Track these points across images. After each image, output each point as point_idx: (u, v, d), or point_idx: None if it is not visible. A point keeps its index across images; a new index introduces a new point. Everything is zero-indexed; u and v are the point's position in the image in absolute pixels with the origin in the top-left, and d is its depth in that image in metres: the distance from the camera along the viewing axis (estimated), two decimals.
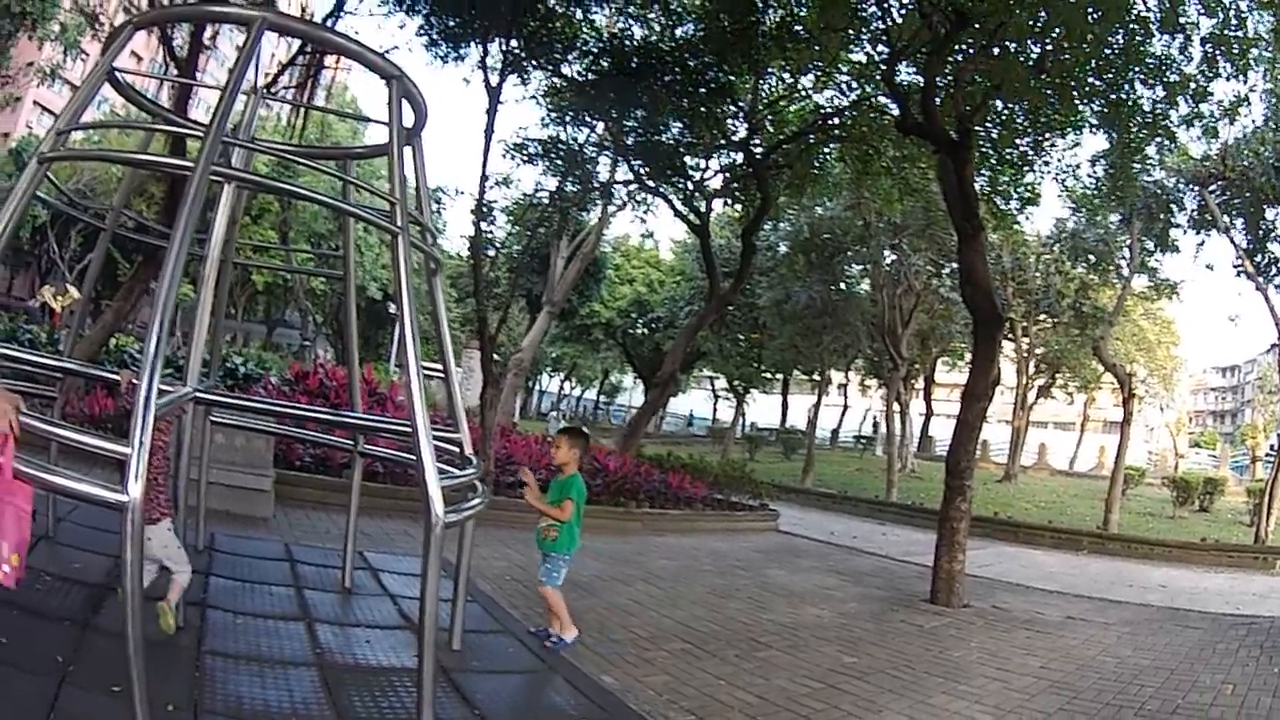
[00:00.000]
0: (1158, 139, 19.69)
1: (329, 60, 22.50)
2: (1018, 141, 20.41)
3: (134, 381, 6.91)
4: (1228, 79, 17.75)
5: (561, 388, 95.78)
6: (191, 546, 8.63)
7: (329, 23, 19.79)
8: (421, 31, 22.72)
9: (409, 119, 7.72)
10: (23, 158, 56.55)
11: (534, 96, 26.47)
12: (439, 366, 10.86)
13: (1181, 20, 16.25)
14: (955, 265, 30.61)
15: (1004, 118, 19.14)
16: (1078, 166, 23.23)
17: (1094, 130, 19.89)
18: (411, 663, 7.43)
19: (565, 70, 24.74)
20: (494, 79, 22.21)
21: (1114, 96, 17.45)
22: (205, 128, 6.34)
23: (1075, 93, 17.39)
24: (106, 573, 8.39)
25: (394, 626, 8.94)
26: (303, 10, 20.59)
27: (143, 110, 10.35)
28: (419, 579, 10.17)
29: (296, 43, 20.83)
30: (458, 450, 7.99)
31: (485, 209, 26.38)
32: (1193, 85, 17.60)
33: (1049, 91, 17.18)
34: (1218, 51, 16.79)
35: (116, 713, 5.43)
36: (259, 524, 12.70)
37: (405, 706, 6.66)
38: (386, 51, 8.18)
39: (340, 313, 64.97)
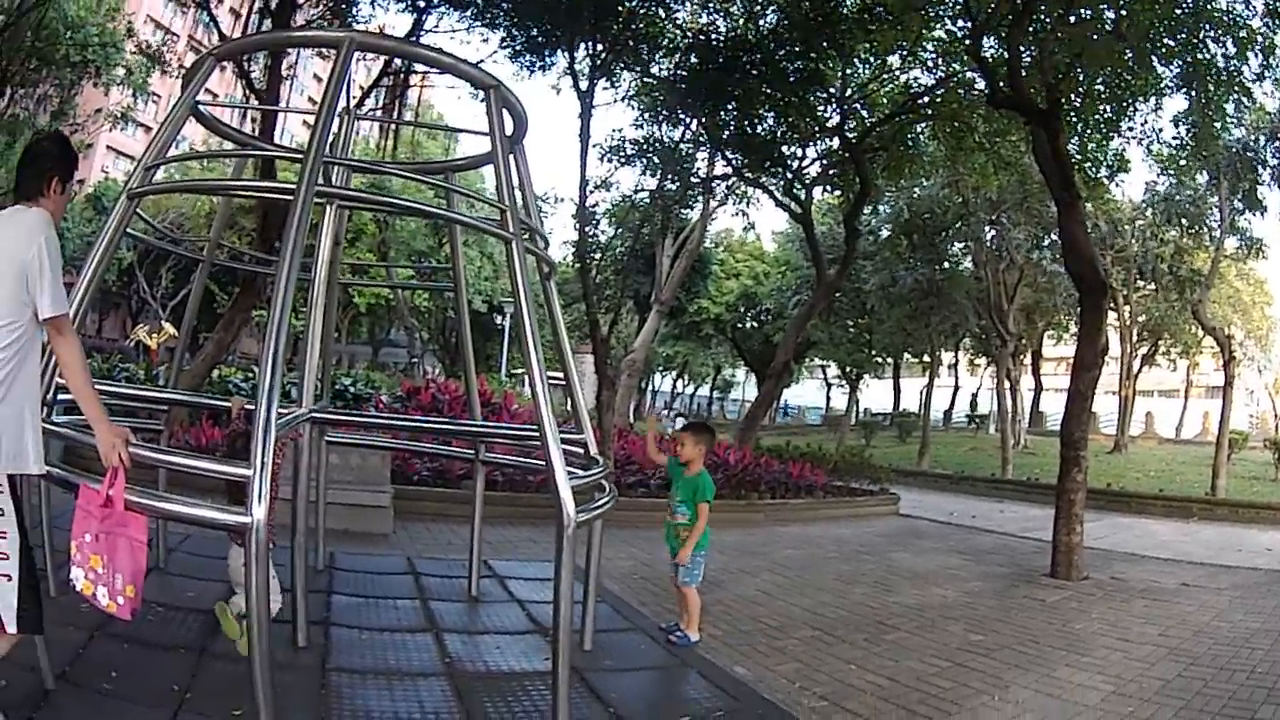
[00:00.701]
0: (1234, 96, 19.39)
1: (413, 79, 22.61)
2: (1102, 108, 20.18)
3: (245, 407, 6.99)
4: None
5: (674, 386, 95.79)
6: (312, 567, 8.66)
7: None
8: (505, 44, 22.78)
9: (509, 127, 7.68)
10: (102, 202, 57.58)
11: (625, 98, 26.55)
12: (555, 373, 10.83)
13: None
14: (1055, 237, 30.67)
15: (1086, 85, 18.84)
16: (1161, 130, 23.06)
17: (1173, 92, 19.74)
18: (543, 666, 7.47)
19: (654, 70, 24.82)
20: (583, 84, 22.39)
21: (1189, 56, 17.37)
22: (302, 151, 6.31)
23: (1153, 55, 17.34)
24: (221, 599, 8.28)
25: (523, 631, 8.89)
26: (380, 30, 20.67)
27: (229, 140, 10.43)
28: (545, 584, 10.26)
29: (377, 67, 20.96)
30: (583, 451, 7.96)
31: (588, 213, 26.30)
32: (1260, 39, 17.42)
33: (1128, 55, 17.08)
34: (1276, 3, 16.60)
35: None
36: (379, 540, 12.75)
37: (539, 709, 6.62)
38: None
39: (446, 327, 65.74)
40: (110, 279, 58.24)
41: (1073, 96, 18.64)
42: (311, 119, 6.71)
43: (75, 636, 6.62)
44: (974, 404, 67.98)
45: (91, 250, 6.75)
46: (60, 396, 6.27)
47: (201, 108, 8.22)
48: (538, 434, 6.50)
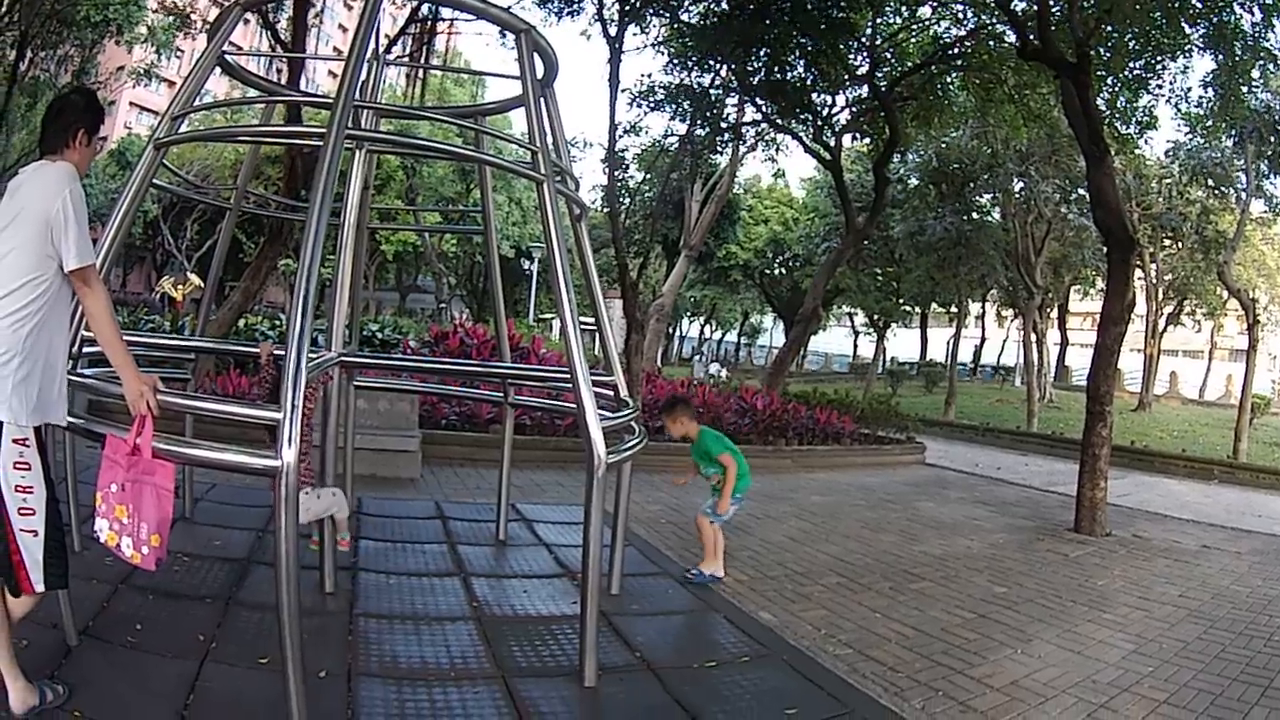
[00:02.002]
0: (1260, 61, 19.40)
1: (439, 27, 22.54)
2: (1131, 64, 20.10)
3: (274, 352, 6.96)
4: None
5: (702, 332, 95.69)
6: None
7: None
8: None
9: (540, 71, 7.69)
10: (125, 157, 57.41)
11: (655, 44, 26.47)
12: (584, 318, 10.83)
13: None
14: (1083, 191, 30.48)
15: (1114, 41, 18.77)
16: (1189, 90, 22.91)
17: (1201, 53, 19.64)
18: (570, 610, 7.56)
19: (683, 15, 24.69)
20: (612, 30, 22.37)
21: (1215, 18, 17.29)
22: (330, 97, 6.29)
23: (1180, 15, 17.27)
24: (249, 548, 8.51)
25: (551, 575, 8.94)
26: None
27: (256, 89, 10.38)
28: (572, 528, 10.49)
29: (403, 16, 20.88)
30: (612, 393, 8.02)
31: (617, 157, 26.33)
32: None
33: (1156, 14, 17.11)
34: None
35: (262, 684, 5.50)
36: (407, 485, 12.79)
37: (566, 653, 6.66)
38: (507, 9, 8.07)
39: (474, 273, 65.98)
40: (135, 233, 58.61)
41: (1101, 51, 18.54)
42: (338, 70, 6.70)
43: (99, 591, 6.65)
44: (975, 353, 67.79)
45: (118, 203, 6.74)
46: (86, 349, 6.30)
47: (228, 58, 8.18)
48: (567, 376, 6.56)
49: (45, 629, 5.57)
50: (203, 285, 40.72)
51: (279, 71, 18.19)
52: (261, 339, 18.43)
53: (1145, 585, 10.87)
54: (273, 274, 20.95)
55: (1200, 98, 22.25)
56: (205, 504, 10.05)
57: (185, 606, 6.75)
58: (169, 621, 6.38)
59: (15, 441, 4.41)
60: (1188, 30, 18.04)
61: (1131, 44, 19.06)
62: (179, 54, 38.84)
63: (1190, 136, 34.49)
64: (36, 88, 35.79)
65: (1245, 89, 21.40)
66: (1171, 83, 21.89)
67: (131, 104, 74.25)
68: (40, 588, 4.54)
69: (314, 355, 6.10)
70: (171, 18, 27.47)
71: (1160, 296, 49.30)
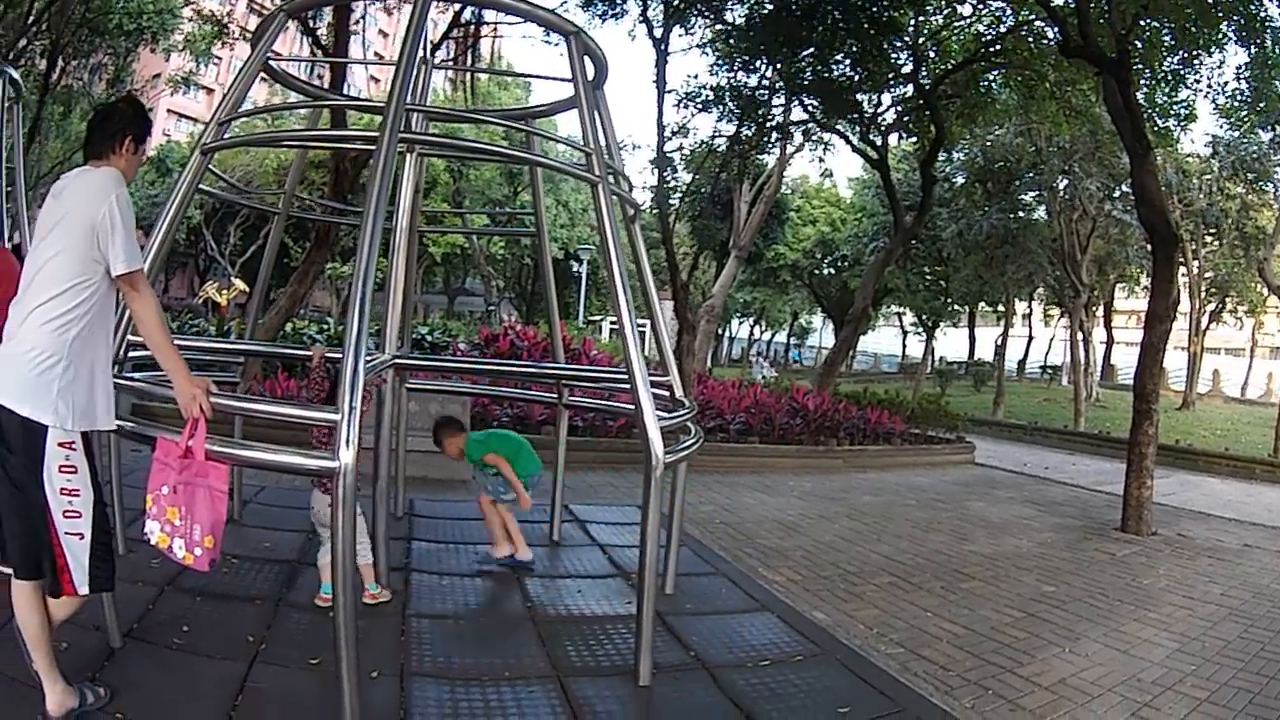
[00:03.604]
0: None
1: (483, 30, 22.58)
2: (1168, 59, 20.05)
3: (326, 355, 6.99)
4: None
5: (752, 332, 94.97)
6: (391, 514, 8.66)
7: None
8: None
9: (590, 73, 7.65)
10: (165, 164, 57.57)
11: (700, 45, 26.65)
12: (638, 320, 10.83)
13: None
14: (1125, 188, 30.45)
15: (1150, 35, 18.68)
16: (1225, 83, 22.80)
17: (1236, 47, 19.40)
18: (624, 610, 7.59)
19: (728, 16, 24.86)
20: (657, 31, 22.65)
21: (1246, 10, 17.30)
22: (378, 101, 6.29)
23: (1214, 9, 17.20)
24: (299, 550, 8.52)
25: (605, 575, 8.96)
26: None
27: (301, 94, 10.38)
28: (626, 528, 10.52)
29: (445, 19, 20.90)
30: (668, 394, 8.04)
31: (665, 159, 26.52)
32: None
33: (1189, 10, 17.00)
34: None
35: (313, 685, 5.54)
36: (459, 487, 12.71)
37: (620, 652, 6.65)
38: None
39: (523, 275, 66.15)
40: (178, 238, 58.50)
41: (1139, 45, 18.47)
42: (378, 75, 6.67)
43: (144, 593, 6.65)
44: (995, 353, 67.72)
45: (163, 208, 6.74)
46: (131, 354, 6.29)
47: (271, 63, 8.22)
48: (624, 377, 6.59)
49: (87, 631, 5.56)
50: (247, 290, 40.97)
51: (319, 77, 18.26)
52: (310, 342, 18.49)
53: (1189, 584, 10.94)
54: (319, 278, 21.02)
55: (1234, 91, 22.21)
56: (254, 506, 10.13)
57: (234, 608, 6.77)
58: (217, 623, 6.38)
59: (61, 445, 4.39)
60: (1220, 23, 17.96)
61: (1167, 38, 19.04)
62: (216, 61, 38.96)
63: (1228, 130, 34.30)
64: (70, 96, 36.03)
65: (1278, 81, 21.30)
66: (1208, 77, 21.86)
67: (169, 111, 74.29)
68: (84, 590, 4.53)
69: (369, 357, 6.10)
70: (209, 26, 27.58)
71: (1203, 294, 48.92)
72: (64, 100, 36.08)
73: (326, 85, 16.22)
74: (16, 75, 13.49)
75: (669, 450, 6.30)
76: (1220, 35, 18.43)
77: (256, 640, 6.12)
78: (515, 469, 8.66)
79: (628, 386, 6.43)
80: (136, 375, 6.28)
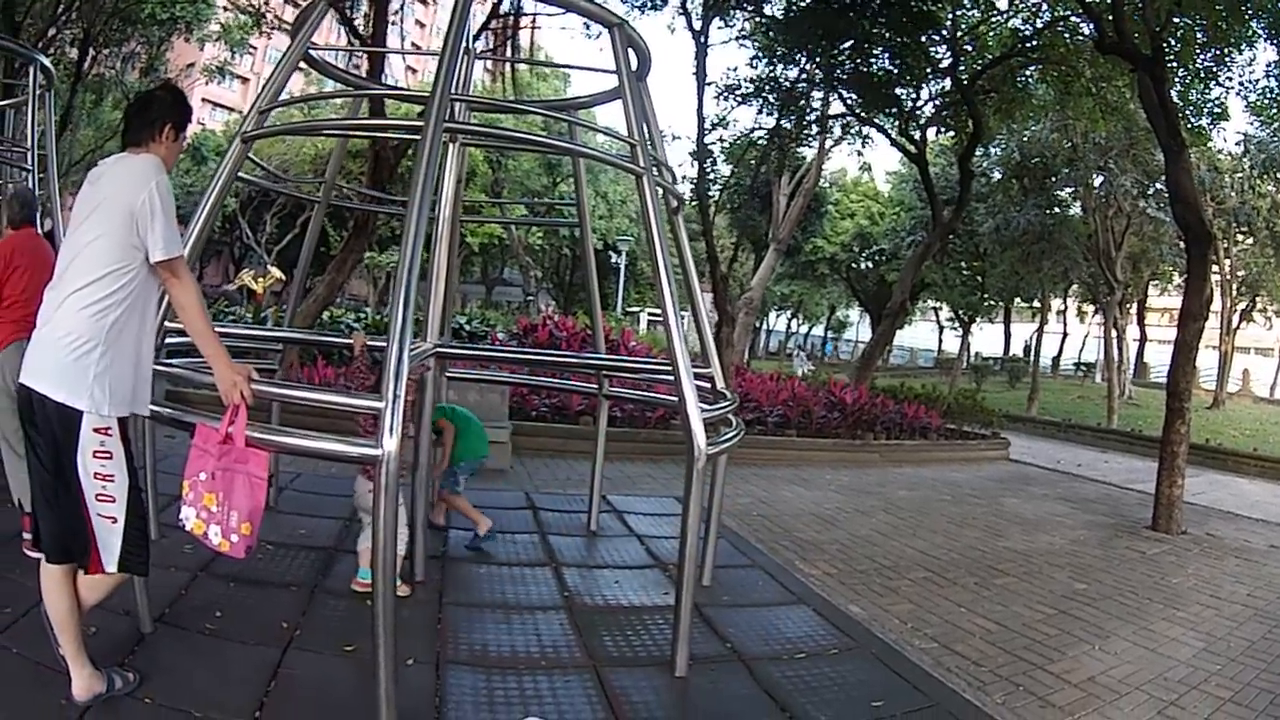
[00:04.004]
0: None
1: (522, 21, 22.61)
2: (1200, 56, 20.02)
3: (367, 343, 7.05)
4: None
5: (789, 325, 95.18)
6: (429, 502, 8.59)
7: None
8: None
9: (633, 64, 7.67)
10: (200, 152, 57.70)
11: (739, 37, 26.54)
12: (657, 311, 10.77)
13: None
14: (1160, 186, 30.41)
15: (1183, 32, 18.68)
16: (1256, 81, 22.75)
17: (1267, 44, 19.56)
18: (662, 601, 7.60)
19: (767, 9, 24.90)
20: (696, 24, 22.82)
21: (1276, 9, 17.34)
22: (421, 91, 6.28)
23: (1243, 6, 17.26)
24: (335, 537, 8.58)
25: (642, 566, 8.96)
26: None
27: (343, 84, 10.47)
28: (663, 519, 10.58)
29: (486, 7, 20.94)
30: (709, 385, 7.98)
31: (705, 151, 26.58)
32: None
33: (1220, 7, 17.08)
34: None
35: (348, 672, 5.56)
36: (497, 476, 12.81)
37: (657, 643, 6.66)
38: None
39: (561, 265, 66.46)
40: (214, 226, 58.59)
41: (1172, 41, 18.43)
42: (415, 66, 6.64)
43: (177, 578, 6.69)
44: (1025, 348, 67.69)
45: (201, 196, 6.77)
46: (168, 340, 6.30)
47: (312, 53, 8.26)
48: (665, 368, 6.64)
49: (117, 616, 5.60)
50: (283, 278, 41.00)
51: (356, 67, 18.33)
52: (348, 330, 18.53)
53: (1216, 584, 11.01)
54: (356, 267, 21.05)
55: (1265, 88, 22.14)
56: (290, 493, 10.18)
57: (269, 594, 6.80)
58: (251, 609, 6.41)
59: (96, 430, 4.42)
60: (1250, 20, 18.05)
61: (1199, 35, 19.01)
62: (251, 50, 38.97)
63: (1259, 128, 34.18)
64: (102, 85, 36.23)
65: None
66: (1240, 75, 21.86)
67: (204, 100, 74.32)
68: (111, 569, 4.54)
69: (412, 347, 6.10)
70: (245, 15, 27.61)
71: (1234, 292, 48.92)
72: (95, 89, 36.30)
73: (365, 76, 16.31)
74: (48, 63, 13.55)
75: (711, 442, 6.28)
76: (1250, 32, 18.56)
77: (291, 627, 6.14)
78: (459, 446, 8.81)
79: (667, 377, 6.45)
80: (175, 361, 6.33)
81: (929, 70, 25.45)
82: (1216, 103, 22.11)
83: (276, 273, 44.63)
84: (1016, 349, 65.99)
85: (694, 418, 6.10)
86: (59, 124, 22.05)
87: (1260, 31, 18.49)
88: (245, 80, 73.96)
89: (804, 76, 26.29)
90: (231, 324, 16.78)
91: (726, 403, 7.61)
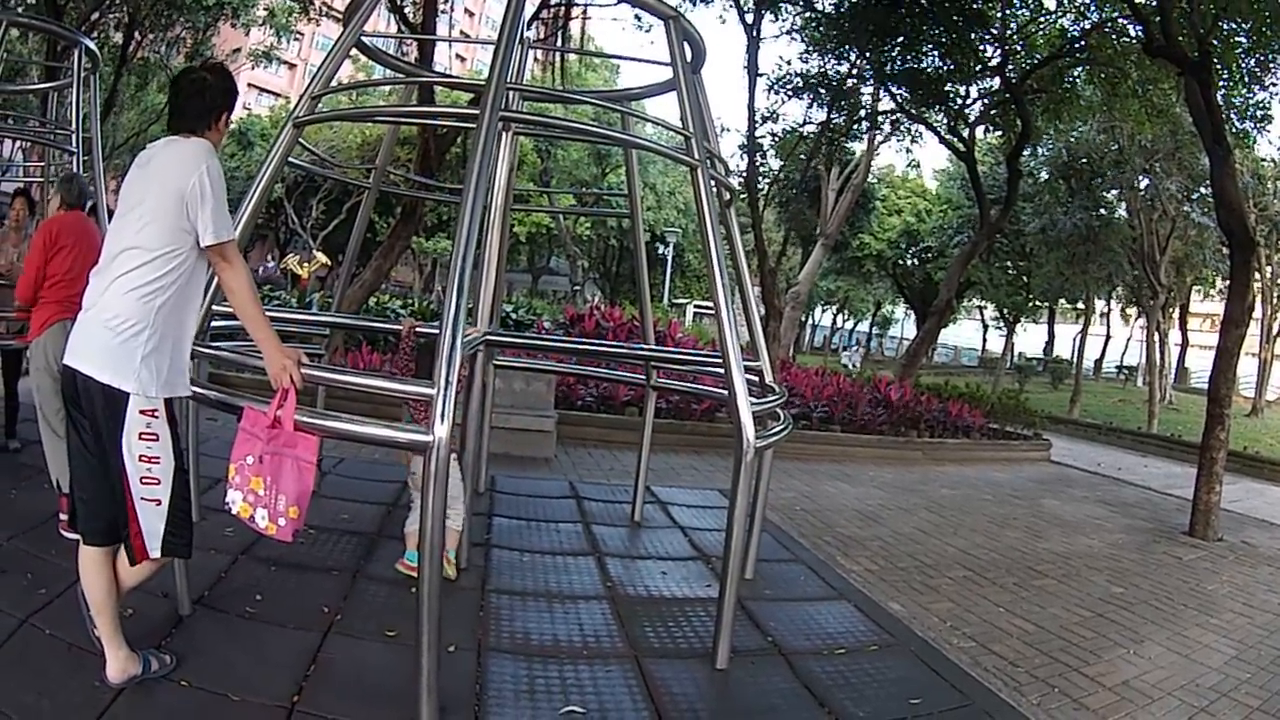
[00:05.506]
0: None
1: (573, 12, 22.65)
2: (1245, 60, 19.93)
3: (416, 328, 7.05)
4: None
5: (834, 321, 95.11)
6: (473, 490, 8.70)
7: None
8: None
9: (688, 56, 7.62)
10: (247, 137, 57.92)
11: (790, 31, 26.63)
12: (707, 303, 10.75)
13: None
14: (1204, 191, 30.28)
15: (1228, 37, 18.59)
16: None
17: None
18: (704, 593, 7.61)
19: (818, 4, 24.99)
20: (748, 18, 22.84)
21: None
22: (471, 79, 6.30)
23: None
24: (378, 522, 8.60)
25: (685, 558, 8.95)
26: None
27: (396, 71, 10.63)
28: (707, 511, 10.62)
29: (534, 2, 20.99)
30: (758, 379, 7.96)
31: (756, 144, 26.65)
32: None
33: (1266, 13, 17.02)
34: None
35: (389, 657, 5.57)
36: (541, 465, 12.91)
37: (699, 635, 6.67)
38: None
39: (608, 255, 66.66)
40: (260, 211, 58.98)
41: (1216, 44, 18.37)
42: (464, 54, 6.63)
43: (217, 561, 6.72)
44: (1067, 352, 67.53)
45: (251, 181, 6.78)
46: (212, 324, 6.31)
47: (364, 40, 8.42)
48: (713, 359, 6.70)
49: (155, 598, 5.63)
50: (328, 263, 41.12)
51: (404, 54, 18.43)
52: (395, 316, 18.61)
53: (1250, 592, 11.00)
54: (404, 253, 21.11)
55: None
56: (333, 478, 10.22)
57: (310, 578, 6.82)
58: (291, 592, 6.45)
59: (143, 412, 4.43)
60: None
61: (1243, 39, 18.94)
62: (298, 36, 39.03)
63: None
64: (146, 69, 36.51)
65: None
66: None
67: (250, 85, 74.51)
68: (155, 554, 4.55)
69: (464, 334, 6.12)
70: (291, 1, 27.70)
71: (1275, 299, 48.79)
72: (140, 73, 36.62)
73: (415, 63, 16.39)
74: (93, 46, 13.60)
75: (759, 435, 6.27)
76: None
77: (332, 611, 6.17)
78: None
79: (713, 370, 6.44)
80: (223, 345, 6.35)
81: (978, 68, 25.42)
82: (1259, 106, 22.07)
83: (322, 258, 44.72)
84: (1060, 350, 65.91)
85: (744, 410, 6.09)
86: (103, 107, 22.12)
87: None
88: (292, 66, 74.08)
89: (854, 72, 26.37)
90: (277, 308, 16.89)
91: (775, 396, 7.63)
